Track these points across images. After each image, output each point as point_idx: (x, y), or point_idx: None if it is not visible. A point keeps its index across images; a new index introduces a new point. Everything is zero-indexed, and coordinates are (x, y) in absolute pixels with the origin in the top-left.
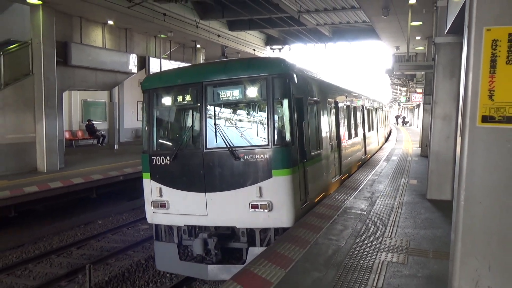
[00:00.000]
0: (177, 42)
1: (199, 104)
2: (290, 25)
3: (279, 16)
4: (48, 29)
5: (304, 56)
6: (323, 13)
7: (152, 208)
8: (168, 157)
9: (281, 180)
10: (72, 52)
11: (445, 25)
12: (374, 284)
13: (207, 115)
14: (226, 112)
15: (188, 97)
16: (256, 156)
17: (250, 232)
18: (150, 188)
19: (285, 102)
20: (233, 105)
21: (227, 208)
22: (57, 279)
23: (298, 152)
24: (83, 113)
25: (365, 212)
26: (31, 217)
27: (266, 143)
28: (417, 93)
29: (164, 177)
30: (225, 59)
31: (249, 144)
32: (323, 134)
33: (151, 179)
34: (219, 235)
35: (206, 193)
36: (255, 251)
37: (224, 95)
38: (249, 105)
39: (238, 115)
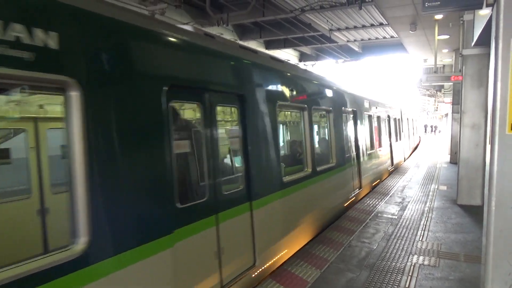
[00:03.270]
0: None
1: None
2: (322, 42)
3: (311, 34)
4: None
5: (336, 70)
6: (353, 30)
7: None
8: None
9: None
10: None
11: (472, 38)
12: (407, 286)
13: None
14: None
15: None
16: None
17: None
18: None
19: None
20: None
21: None
22: None
23: None
24: None
25: (396, 217)
26: None
27: None
28: (445, 103)
29: None
30: None
31: None
32: (209, 170)
33: None
34: None
35: None
36: None
37: None
38: None
39: None
